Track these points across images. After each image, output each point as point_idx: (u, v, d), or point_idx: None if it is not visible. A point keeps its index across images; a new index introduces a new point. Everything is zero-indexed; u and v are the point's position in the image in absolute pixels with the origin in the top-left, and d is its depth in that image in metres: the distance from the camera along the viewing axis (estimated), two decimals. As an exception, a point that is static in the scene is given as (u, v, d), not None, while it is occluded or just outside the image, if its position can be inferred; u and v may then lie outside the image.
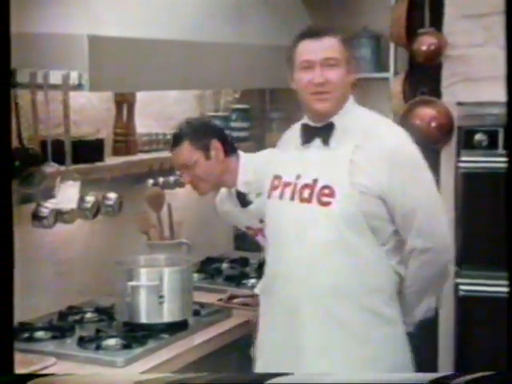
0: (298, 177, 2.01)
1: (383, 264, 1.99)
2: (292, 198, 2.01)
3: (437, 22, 3.11)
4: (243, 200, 2.40)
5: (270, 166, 2.14)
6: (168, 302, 2.32)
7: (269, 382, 1.58)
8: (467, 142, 3.05)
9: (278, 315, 2.04)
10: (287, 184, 2.02)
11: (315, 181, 1.98)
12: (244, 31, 2.83)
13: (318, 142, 2.02)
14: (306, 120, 2.06)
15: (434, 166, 3.10)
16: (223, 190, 2.47)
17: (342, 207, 1.95)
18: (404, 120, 3.13)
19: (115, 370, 2.06)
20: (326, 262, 1.97)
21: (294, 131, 2.11)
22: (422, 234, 1.97)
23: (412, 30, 3.15)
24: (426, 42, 3.10)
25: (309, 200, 1.98)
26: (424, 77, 3.17)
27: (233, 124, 3.25)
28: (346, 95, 2.03)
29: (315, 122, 2.03)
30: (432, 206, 2.00)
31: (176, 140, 2.39)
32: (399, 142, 2.02)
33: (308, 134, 2.03)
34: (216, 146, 2.36)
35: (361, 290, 1.97)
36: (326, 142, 2.00)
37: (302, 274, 1.99)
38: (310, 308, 1.98)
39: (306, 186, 1.99)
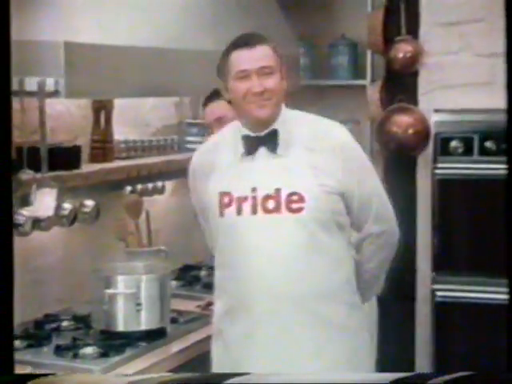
0: (254, 189, 1.98)
1: (350, 257, 2.05)
2: (254, 212, 1.98)
3: (413, 30, 3.14)
4: None
5: (206, 183, 2.07)
6: (146, 310, 2.31)
7: (226, 382, 1.59)
8: (443, 149, 3.07)
9: (257, 329, 2.00)
10: (243, 199, 1.99)
11: (278, 190, 1.97)
12: (221, 38, 2.82)
13: (263, 151, 2.01)
14: (243, 131, 2.02)
15: (411, 173, 3.19)
16: None
17: (314, 211, 1.96)
18: (381, 127, 3.17)
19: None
20: (304, 267, 1.97)
21: (226, 144, 2.07)
22: (379, 219, 2.05)
23: (389, 37, 3.19)
24: (402, 50, 3.14)
25: (277, 210, 1.96)
26: (401, 84, 3.20)
27: (191, 138, 3.20)
28: (282, 101, 2.03)
29: (256, 132, 2.01)
30: (382, 192, 2.09)
31: (213, 96, 2.42)
32: (344, 137, 2.04)
33: (251, 145, 2.01)
34: None
35: (340, 288, 2.02)
36: (272, 149, 2.00)
37: (282, 283, 1.97)
38: (299, 317, 1.97)
39: (268, 197, 1.97)
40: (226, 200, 2.01)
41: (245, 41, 1.99)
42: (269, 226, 1.98)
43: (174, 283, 2.82)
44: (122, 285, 2.31)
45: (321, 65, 3.55)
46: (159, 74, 2.46)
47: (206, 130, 3.20)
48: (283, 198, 1.96)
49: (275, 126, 2.00)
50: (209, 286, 2.82)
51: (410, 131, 3.11)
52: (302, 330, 1.98)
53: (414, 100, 3.16)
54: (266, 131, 2.00)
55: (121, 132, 2.87)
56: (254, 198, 1.98)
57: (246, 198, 1.99)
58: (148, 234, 2.85)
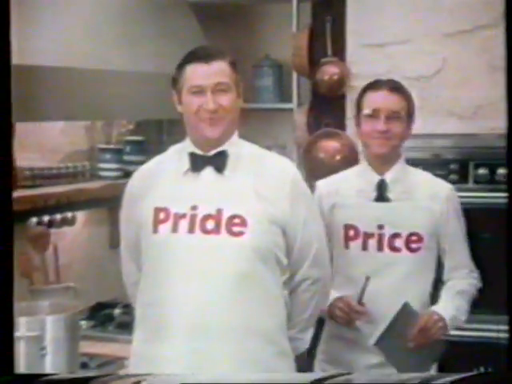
0: (194, 207, 1.98)
1: (283, 301, 2.06)
2: (191, 231, 1.97)
3: (340, 52, 3.19)
4: None
5: (142, 204, 2.06)
6: (51, 354, 2.25)
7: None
8: None
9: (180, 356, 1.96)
10: (180, 216, 1.98)
11: (220, 211, 1.97)
12: (137, 59, 2.83)
13: (209, 170, 2.02)
14: (191, 148, 2.05)
15: None
16: None
17: (255, 237, 1.96)
18: (308, 153, 3.19)
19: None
20: (237, 298, 1.96)
21: (169, 162, 2.09)
22: (316, 264, 2.09)
23: (315, 59, 3.23)
24: (328, 72, 3.17)
25: (216, 231, 1.96)
26: (328, 108, 3.23)
27: (126, 157, 3.20)
28: (236, 121, 2.06)
29: (204, 150, 2.03)
30: (323, 236, 2.15)
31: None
32: (295, 174, 2.09)
33: (197, 163, 2.02)
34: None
35: (272, 328, 2.00)
36: (219, 170, 2.01)
37: (210, 312, 1.95)
38: (225, 350, 1.94)
39: (208, 216, 1.97)
40: (162, 216, 2.00)
41: (202, 54, 2.00)
42: (205, 248, 1.96)
43: (84, 323, 2.78)
44: (24, 327, 2.23)
45: (244, 87, 3.52)
46: (69, 96, 2.42)
47: (120, 155, 3.17)
48: (224, 219, 1.96)
49: (225, 146, 2.02)
50: (123, 326, 2.81)
51: (338, 157, 3.14)
52: (227, 364, 1.95)
53: (341, 124, 3.19)
54: (215, 151, 2.01)
55: (25, 158, 2.80)
56: (193, 216, 1.97)
57: (184, 216, 1.98)
58: (56, 270, 2.80)
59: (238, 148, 2.03)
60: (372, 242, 2.27)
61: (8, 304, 1.65)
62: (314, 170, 3.17)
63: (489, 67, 3.00)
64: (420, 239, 2.27)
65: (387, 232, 2.27)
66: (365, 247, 2.28)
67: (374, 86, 2.29)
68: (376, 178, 2.29)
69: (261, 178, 2.01)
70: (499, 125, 2.90)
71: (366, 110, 2.26)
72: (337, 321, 2.27)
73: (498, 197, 2.88)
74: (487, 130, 3.00)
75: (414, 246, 2.27)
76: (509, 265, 1.90)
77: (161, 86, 2.75)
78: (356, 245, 2.28)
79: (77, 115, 2.64)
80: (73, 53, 2.48)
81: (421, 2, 3.10)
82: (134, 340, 2.08)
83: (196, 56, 2.00)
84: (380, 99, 2.26)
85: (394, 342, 2.21)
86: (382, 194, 2.29)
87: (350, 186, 2.33)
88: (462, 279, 2.35)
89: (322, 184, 2.40)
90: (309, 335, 2.15)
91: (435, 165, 2.89)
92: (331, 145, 3.16)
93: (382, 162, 2.29)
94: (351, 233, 2.29)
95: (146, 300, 2.03)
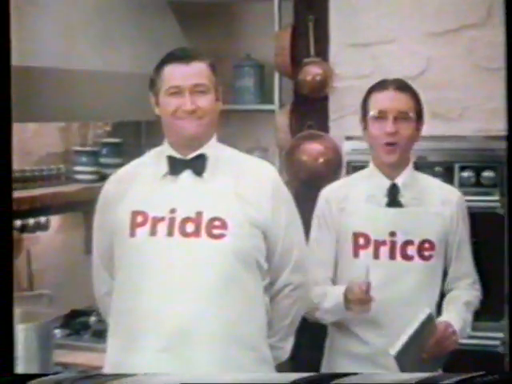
0: (173, 210, 1.97)
1: (265, 307, 2.05)
2: (170, 234, 1.96)
3: (323, 51, 3.18)
4: None
5: (118, 208, 2.04)
6: (23, 364, 2.21)
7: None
8: None
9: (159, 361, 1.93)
10: (159, 219, 1.97)
11: (199, 213, 1.96)
12: (114, 59, 2.82)
13: (187, 173, 2.01)
14: (169, 151, 2.04)
15: None
16: None
17: (236, 240, 1.96)
18: (290, 156, 3.17)
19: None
20: (218, 303, 1.94)
21: (146, 165, 2.09)
22: (298, 269, 2.07)
23: (297, 59, 3.21)
24: (311, 73, 3.15)
25: (196, 234, 1.95)
26: (311, 109, 3.22)
27: (103, 160, 3.18)
28: (215, 124, 2.05)
29: (182, 153, 2.02)
30: (304, 241, 2.14)
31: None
32: (276, 178, 2.09)
33: (176, 166, 2.02)
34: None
35: (253, 334, 2.00)
36: (199, 173, 2.01)
37: (191, 317, 1.92)
38: (206, 355, 1.92)
39: (187, 219, 1.96)
40: (140, 219, 1.99)
41: (181, 55, 2.00)
42: (185, 250, 1.95)
43: (58, 332, 2.74)
44: (-6, 336, 2.19)
45: (224, 87, 3.50)
46: (43, 97, 2.40)
47: (97, 157, 3.14)
48: (204, 221, 1.96)
49: (203, 150, 2.01)
50: (99, 334, 2.75)
51: (321, 160, 3.13)
52: (208, 369, 1.92)
53: (324, 126, 3.18)
54: (193, 155, 2.01)
55: (-3, 161, 2.75)
56: (172, 219, 1.96)
57: (162, 219, 1.97)
58: (28, 276, 2.76)
59: (216, 151, 2.03)
60: (384, 250, 2.19)
61: (8, 305, 1.67)
62: (297, 173, 3.17)
63: (475, 67, 3.00)
64: (432, 246, 2.22)
65: (399, 239, 2.20)
66: (376, 255, 2.19)
67: (380, 86, 2.24)
68: (387, 182, 2.23)
69: (241, 180, 2.01)
70: (485, 126, 3.03)
71: (373, 112, 2.21)
72: (351, 308, 2.16)
73: (484, 200, 2.89)
74: (473, 132, 3.00)
75: (426, 253, 2.21)
76: (509, 267, 1.91)
77: (139, 87, 2.74)
78: (366, 253, 2.20)
79: (51, 116, 2.62)
80: (47, 52, 2.46)
81: (406, 1, 3.10)
82: (108, 349, 2.05)
83: (175, 56, 2.00)
84: (387, 99, 2.20)
85: (412, 354, 2.12)
86: (394, 199, 2.22)
87: (359, 191, 2.25)
88: (466, 290, 2.31)
89: (328, 190, 2.33)
90: (289, 344, 2.13)
91: (420, 167, 2.88)
92: (314, 147, 3.15)
93: (391, 168, 2.24)
94: (361, 241, 2.21)
95: (122, 307, 2.01)
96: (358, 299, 2.15)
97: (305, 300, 2.13)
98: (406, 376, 1.92)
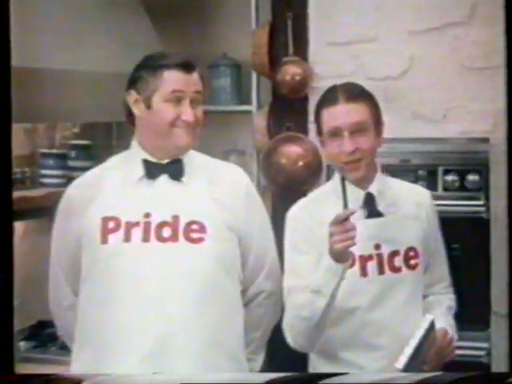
0: (148, 215, 1.97)
1: (242, 309, 2.06)
2: (146, 240, 1.96)
3: (302, 50, 3.15)
4: None
5: (85, 214, 2.03)
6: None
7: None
8: None
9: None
10: (133, 224, 1.97)
11: (176, 217, 1.97)
12: (84, 57, 2.80)
13: (164, 177, 2.03)
14: (143, 155, 2.04)
15: None
16: None
17: (216, 243, 1.97)
18: (268, 159, 3.16)
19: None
20: (198, 310, 1.93)
21: (115, 169, 2.08)
22: (271, 276, 2.09)
23: (275, 58, 3.17)
24: (290, 72, 3.12)
25: (173, 239, 1.95)
26: (290, 110, 3.20)
27: (71, 163, 3.16)
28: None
29: (158, 157, 2.03)
30: (275, 247, 2.14)
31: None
32: (250, 184, 2.12)
33: (153, 170, 2.03)
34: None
35: (233, 342, 2.01)
36: (176, 177, 2.03)
37: (170, 327, 1.91)
38: (186, 364, 1.91)
39: (163, 223, 1.96)
40: (112, 225, 1.98)
41: (184, 62, 2.01)
42: (162, 256, 1.95)
43: (23, 344, 2.73)
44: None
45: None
46: (8, 96, 2.34)
47: (65, 161, 3.09)
48: (181, 225, 1.96)
49: (180, 155, 2.05)
50: (68, 347, 2.67)
51: (300, 163, 3.11)
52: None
53: (304, 128, 3.17)
54: (170, 159, 2.03)
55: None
56: (147, 224, 1.96)
57: (136, 224, 1.97)
58: (-8, 286, 2.68)
59: (190, 157, 2.06)
60: (371, 266, 2.10)
61: (8, 305, 1.72)
62: (275, 176, 3.15)
63: (459, 67, 2.98)
64: (416, 254, 2.16)
65: (385, 251, 2.12)
66: (364, 273, 2.10)
67: (330, 100, 2.10)
68: (360, 192, 2.13)
69: (216, 185, 2.05)
70: (470, 128, 3.00)
71: (326, 130, 2.10)
72: (339, 256, 1.98)
73: (469, 205, 2.87)
74: (457, 134, 2.99)
75: (412, 262, 2.15)
76: (509, 267, 1.95)
77: (110, 87, 2.76)
78: (353, 272, 2.07)
79: (16, 118, 2.56)
80: (13, 50, 2.40)
81: (387, -2, 3.09)
82: (76, 362, 2.03)
83: (178, 63, 2.01)
84: (338, 115, 2.07)
85: (415, 366, 2.01)
86: (372, 209, 2.13)
87: (332, 207, 2.07)
88: (444, 294, 2.24)
89: (295, 210, 2.19)
90: (261, 357, 2.13)
91: (401, 171, 2.86)
92: (293, 150, 3.12)
93: (360, 180, 2.15)
94: None
95: (93, 318, 1.98)
96: (341, 227, 1.96)
97: (275, 311, 2.12)
98: (389, 375, 1.92)
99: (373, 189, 2.14)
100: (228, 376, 1.92)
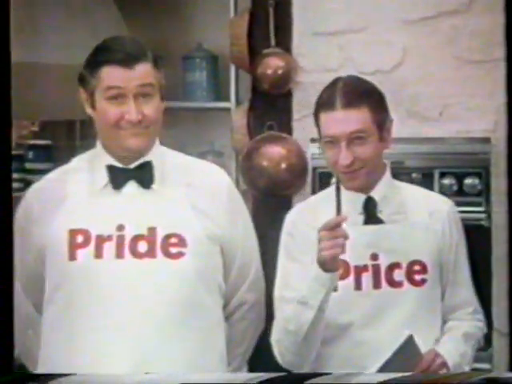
0: (121, 227, 1.95)
1: (224, 326, 2.05)
2: (120, 256, 1.94)
3: (285, 41, 3.14)
4: None
5: (49, 218, 1.99)
6: None
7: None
8: (323, 186, 2.89)
9: None
10: (104, 238, 1.94)
11: (152, 230, 1.94)
12: (41, 48, 2.81)
13: (132, 184, 2.00)
14: (107, 159, 2.02)
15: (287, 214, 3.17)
16: None
17: (196, 258, 1.96)
18: (248, 160, 3.12)
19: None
20: (178, 332, 1.93)
21: (79, 173, 2.04)
22: (254, 286, 2.09)
23: (255, 49, 3.16)
24: (271, 65, 3.11)
25: (150, 254, 1.93)
26: (271, 108, 3.19)
27: (29, 165, 3.16)
28: (159, 128, 2.03)
29: (124, 162, 2.00)
30: (259, 256, 2.12)
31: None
32: (231, 184, 2.10)
33: (118, 177, 2.00)
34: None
35: (215, 364, 2.00)
36: (145, 184, 1.99)
37: (148, 347, 1.90)
38: None
39: (138, 237, 1.94)
40: (80, 239, 1.95)
41: (123, 56, 1.95)
42: (138, 274, 1.93)
43: None
44: None
45: (172, 82, 3.47)
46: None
47: (22, 162, 3.02)
48: (159, 239, 1.94)
49: (148, 157, 2.01)
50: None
51: (283, 165, 3.09)
52: None
53: (287, 127, 3.16)
54: (137, 163, 2.00)
55: None
56: (121, 237, 1.94)
57: (109, 238, 1.95)
58: None
59: (161, 157, 2.02)
60: (366, 278, 2.05)
61: (8, 305, 1.76)
62: (256, 180, 3.13)
63: (456, 60, 2.98)
64: (424, 268, 2.08)
65: (383, 262, 2.06)
66: (358, 286, 2.05)
67: (327, 103, 2.06)
68: (361, 196, 2.10)
69: (193, 189, 2.01)
70: (468, 127, 3.00)
71: (323, 135, 2.07)
72: (326, 264, 1.97)
73: (467, 211, 2.83)
74: (455, 133, 2.98)
75: (417, 277, 2.07)
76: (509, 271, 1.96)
77: (72, 81, 2.69)
78: (346, 284, 2.04)
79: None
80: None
81: (378, -16, 3.12)
82: None
83: (116, 58, 1.95)
84: (336, 123, 2.03)
85: None
86: (371, 215, 2.09)
87: (330, 212, 2.05)
88: (466, 320, 2.16)
89: (291, 214, 2.18)
90: (244, 374, 2.09)
91: (394, 174, 2.84)
92: (275, 151, 3.11)
93: (359, 188, 2.12)
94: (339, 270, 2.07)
95: (60, 345, 1.95)
96: (329, 233, 1.94)
97: (259, 323, 2.12)
98: (380, 377, 1.91)
99: (375, 193, 2.11)
100: (213, 376, 1.94)
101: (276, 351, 2.07)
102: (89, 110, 2.00)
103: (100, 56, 1.97)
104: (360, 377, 1.92)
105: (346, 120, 2.02)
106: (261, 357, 2.13)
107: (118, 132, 1.95)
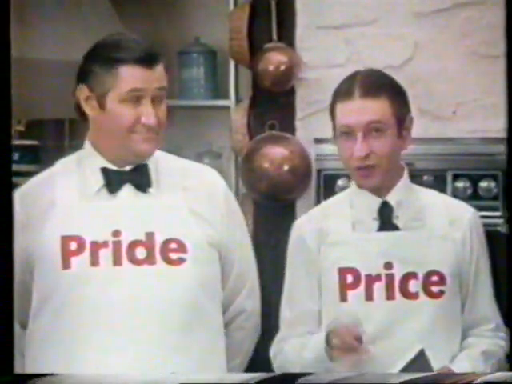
0: (117, 233, 1.94)
1: (224, 335, 2.05)
2: (117, 263, 1.94)
3: (287, 35, 3.14)
4: None
5: (37, 225, 1.98)
6: None
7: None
8: (329, 190, 3.01)
9: None
10: (100, 245, 1.94)
11: (150, 235, 1.95)
12: (31, 43, 2.78)
13: (128, 188, 1.99)
14: (101, 162, 2.01)
15: (289, 221, 3.11)
16: None
17: (197, 264, 1.96)
18: (248, 162, 3.11)
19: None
20: (178, 344, 1.93)
21: (68, 176, 2.03)
22: (252, 294, 2.08)
23: (256, 44, 3.16)
24: (273, 61, 3.11)
25: (149, 261, 1.94)
26: (273, 106, 3.20)
27: (15, 167, 3.01)
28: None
29: (119, 165, 2.00)
30: (255, 261, 2.12)
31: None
32: (226, 187, 2.09)
33: (113, 180, 1.99)
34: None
35: (217, 371, 1.99)
36: (142, 187, 1.99)
37: (148, 360, 1.90)
38: None
39: (136, 243, 1.95)
40: (74, 246, 1.95)
41: (144, 56, 1.95)
42: (137, 282, 1.94)
43: None
44: None
45: (168, 78, 3.48)
46: None
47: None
48: (158, 244, 1.95)
49: (145, 160, 2.04)
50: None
51: (286, 167, 3.09)
52: None
53: (289, 126, 3.16)
54: (133, 166, 2.01)
55: None
56: (117, 243, 1.95)
57: (104, 244, 1.95)
58: None
59: (156, 160, 2.03)
60: (379, 288, 2.04)
61: (8, 305, 1.78)
62: (256, 183, 3.13)
63: (471, 54, 2.99)
64: (442, 279, 2.06)
65: (397, 272, 2.04)
66: (369, 296, 2.04)
67: (345, 92, 2.06)
68: (376, 201, 2.08)
69: (191, 192, 2.02)
70: (483, 126, 2.99)
71: (338, 127, 2.06)
72: (337, 358, 2.01)
73: (483, 216, 2.75)
74: (469, 133, 2.98)
75: (434, 289, 2.05)
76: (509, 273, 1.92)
77: (62, 78, 2.69)
78: (356, 294, 2.04)
79: None
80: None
81: (388, -26, 3.11)
82: None
83: (136, 57, 1.95)
84: (352, 112, 2.03)
85: None
86: (386, 221, 2.07)
87: (342, 218, 2.09)
88: (486, 337, 2.12)
89: (302, 221, 2.18)
90: None
91: None
92: (277, 152, 3.12)
93: (375, 188, 2.11)
94: (349, 279, 2.05)
95: (51, 360, 1.94)
96: (346, 345, 1.98)
97: (255, 334, 2.12)
98: (370, 377, 1.92)
99: (391, 197, 2.09)
100: (211, 376, 1.94)
101: (275, 364, 2.11)
102: (91, 110, 1.97)
103: (116, 52, 1.95)
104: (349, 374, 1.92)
105: (363, 109, 2.01)
106: (258, 357, 2.17)
107: (129, 136, 1.94)
